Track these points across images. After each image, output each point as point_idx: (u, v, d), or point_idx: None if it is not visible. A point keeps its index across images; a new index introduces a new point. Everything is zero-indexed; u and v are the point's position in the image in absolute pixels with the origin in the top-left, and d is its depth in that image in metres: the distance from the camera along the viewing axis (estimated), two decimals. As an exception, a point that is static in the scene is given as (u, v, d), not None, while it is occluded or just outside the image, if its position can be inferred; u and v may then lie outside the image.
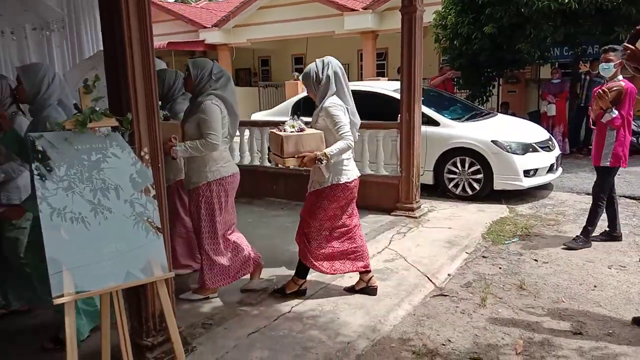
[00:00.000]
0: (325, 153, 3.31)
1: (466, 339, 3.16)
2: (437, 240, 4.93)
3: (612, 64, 4.40)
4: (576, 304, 3.60)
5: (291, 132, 3.38)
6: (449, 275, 4.20)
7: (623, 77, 4.49)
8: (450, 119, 6.87)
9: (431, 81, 10.27)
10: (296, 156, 3.34)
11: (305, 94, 4.28)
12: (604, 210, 4.76)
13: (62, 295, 2.09)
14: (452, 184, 6.63)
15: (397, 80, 6.76)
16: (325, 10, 16.09)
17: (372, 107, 7.11)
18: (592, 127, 4.77)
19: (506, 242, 4.97)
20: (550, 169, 6.68)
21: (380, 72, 17.21)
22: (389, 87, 7.29)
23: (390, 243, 4.89)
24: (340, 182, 3.45)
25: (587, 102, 8.75)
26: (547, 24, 8.65)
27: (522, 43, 9.03)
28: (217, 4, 23.15)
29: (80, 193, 2.26)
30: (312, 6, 16.20)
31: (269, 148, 4.58)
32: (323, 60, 3.51)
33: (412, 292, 3.81)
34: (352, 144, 3.39)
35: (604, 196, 4.66)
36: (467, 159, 6.49)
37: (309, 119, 3.60)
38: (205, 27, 18.34)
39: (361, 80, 14.83)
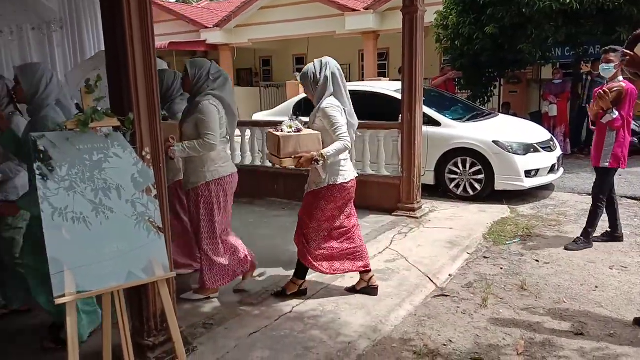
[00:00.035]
0: (322, 154, 3.32)
1: (467, 339, 3.16)
2: (439, 241, 4.93)
3: (613, 64, 4.39)
4: (577, 305, 3.60)
5: (288, 132, 3.39)
6: (450, 275, 4.20)
7: (623, 77, 4.49)
8: (452, 119, 6.87)
9: (432, 81, 10.26)
10: (293, 157, 3.34)
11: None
12: (605, 211, 4.76)
13: (64, 295, 2.09)
14: (453, 185, 6.62)
15: (398, 80, 6.76)
16: (326, 10, 16.09)
17: (373, 108, 7.12)
18: (591, 127, 4.76)
19: (507, 242, 4.97)
20: (552, 170, 6.67)
21: (382, 73, 17.20)
22: (390, 88, 7.29)
23: (391, 243, 4.89)
24: (337, 183, 3.45)
25: (588, 103, 8.73)
26: (549, 24, 8.64)
27: (523, 43, 9.02)
28: (219, 4, 23.16)
29: (81, 193, 2.26)
30: (313, 6, 16.21)
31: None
32: (321, 61, 3.52)
33: (413, 293, 3.81)
34: (349, 144, 3.40)
35: (603, 197, 4.66)
36: (468, 159, 6.48)
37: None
38: (206, 27, 18.35)
39: (362, 80, 14.83)
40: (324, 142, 3.41)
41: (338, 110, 3.41)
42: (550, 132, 8.03)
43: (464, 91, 11.36)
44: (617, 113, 4.36)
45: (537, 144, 6.58)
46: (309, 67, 3.52)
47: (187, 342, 2.93)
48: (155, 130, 2.70)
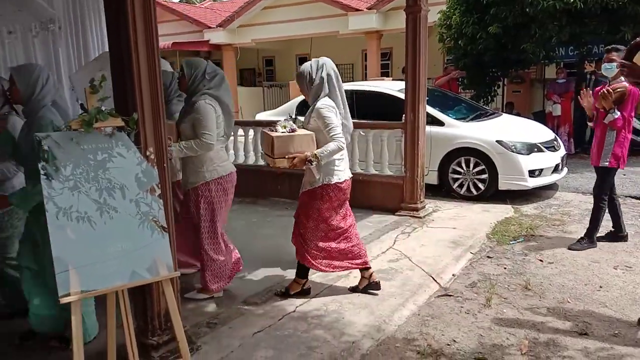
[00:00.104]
0: (315, 154, 3.32)
1: (471, 339, 3.16)
2: (442, 241, 4.92)
3: (615, 64, 4.37)
4: (582, 305, 3.59)
5: (282, 132, 3.39)
6: (453, 275, 4.20)
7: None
8: (455, 119, 6.86)
9: (436, 81, 10.25)
10: (286, 157, 3.35)
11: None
12: (607, 211, 4.75)
13: (69, 295, 2.10)
14: (456, 184, 6.62)
15: (401, 80, 6.76)
16: (329, 10, 16.08)
17: (376, 107, 7.13)
18: (588, 123, 4.74)
19: (511, 242, 4.96)
20: (556, 169, 6.66)
21: (385, 72, 17.17)
22: (394, 87, 7.28)
23: (394, 243, 4.89)
24: (332, 183, 3.46)
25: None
26: (552, 24, 8.63)
27: (527, 43, 9.00)
28: (222, 4, 23.18)
29: (86, 192, 2.27)
30: (316, 6, 16.19)
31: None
32: (318, 61, 3.53)
33: (416, 292, 3.81)
34: (343, 145, 3.40)
35: (605, 197, 4.65)
36: (471, 159, 6.48)
37: None
38: (209, 27, 18.36)
39: (365, 80, 14.82)
40: (319, 142, 3.42)
41: (333, 110, 3.42)
42: (554, 131, 8.02)
43: (467, 91, 11.36)
44: (618, 113, 4.34)
45: (540, 143, 6.57)
46: (305, 66, 3.53)
47: (191, 341, 2.94)
48: (159, 130, 2.71)
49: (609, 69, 4.44)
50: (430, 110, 6.47)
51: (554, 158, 6.60)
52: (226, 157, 3.70)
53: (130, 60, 2.55)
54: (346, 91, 7.63)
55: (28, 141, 2.74)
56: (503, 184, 6.33)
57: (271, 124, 3.61)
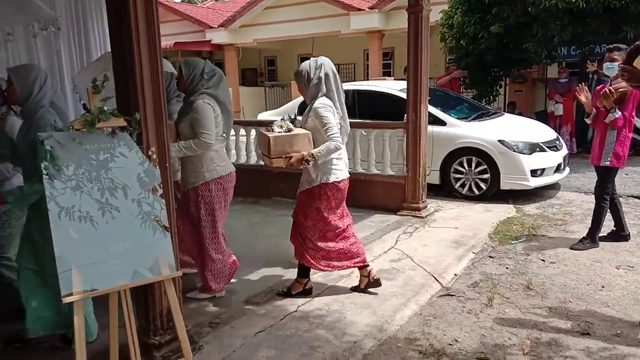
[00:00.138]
0: (312, 153, 3.33)
1: (473, 339, 3.15)
2: (444, 240, 4.92)
3: (617, 63, 4.36)
4: (584, 305, 3.59)
5: (279, 132, 3.39)
6: (455, 275, 4.20)
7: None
8: (457, 118, 6.85)
9: (438, 81, 10.24)
10: (283, 156, 3.35)
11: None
12: (609, 211, 4.74)
13: (72, 294, 2.10)
14: (458, 184, 6.61)
15: (403, 79, 6.76)
16: (331, 9, 16.09)
17: (378, 107, 7.13)
18: (585, 119, 4.73)
19: (513, 242, 4.96)
20: (558, 169, 6.64)
21: (387, 72, 17.19)
22: (395, 87, 7.28)
23: (396, 243, 4.89)
24: (329, 182, 3.47)
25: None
26: (555, 23, 8.61)
27: (529, 42, 8.99)
28: (224, 4, 23.20)
29: (88, 192, 2.27)
30: (318, 6, 16.20)
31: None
32: (317, 61, 3.54)
33: (418, 292, 3.80)
34: (340, 145, 3.42)
35: (606, 196, 4.64)
36: (473, 158, 6.47)
37: None
38: (211, 27, 18.38)
39: (367, 80, 14.82)
40: (316, 141, 3.42)
41: (330, 110, 3.43)
42: (556, 131, 8.00)
43: (469, 90, 11.35)
44: (619, 113, 4.34)
45: (543, 143, 6.56)
46: (304, 65, 3.55)
47: (193, 340, 2.95)
48: (162, 130, 2.71)
49: (611, 68, 4.43)
50: (432, 110, 6.46)
51: (556, 158, 6.59)
52: (226, 156, 3.70)
53: (133, 60, 2.55)
54: (348, 91, 7.71)
55: (26, 141, 2.74)
56: (505, 184, 6.32)
57: (268, 124, 3.62)
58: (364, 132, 6.22)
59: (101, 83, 2.44)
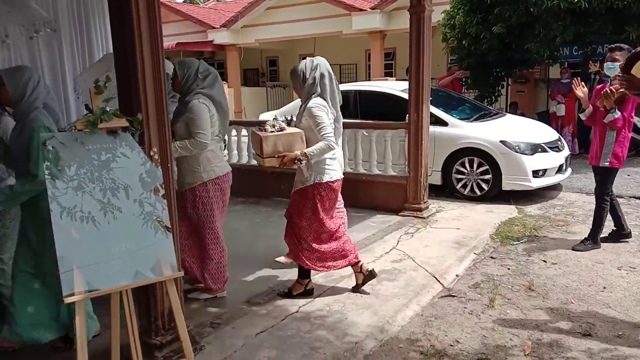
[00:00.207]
0: (305, 153, 3.34)
1: (474, 339, 3.15)
2: (445, 241, 4.92)
3: (618, 63, 4.35)
4: (585, 306, 3.58)
5: (271, 132, 3.40)
6: (457, 275, 4.19)
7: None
8: (459, 119, 6.85)
9: (439, 81, 10.24)
10: (276, 156, 3.35)
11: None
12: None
13: (73, 294, 2.10)
14: (460, 185, 6.60)
15: (405, 80, 6.75)
16: (333, 10, 16.09)
17: (380, 107, 7.13)
18: (580, 115, 4.72)
19: (515, 242, 4.95)
20: (560, 170, 6.64)
21: (388, 72, 17.17)
22: (397, 87, 7.28)
23: (398, 243, 4.89)
24: (323, 182, 3.47)
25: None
26: (557, 24, 8.59)
27: (531, 43, 8.98)
28: (226, 4, 23.22)
29: (90, 192, 2.28)
30: (320, 6, 16.20)
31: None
32: (313, 61, 3.55)
33: (420, 293, 3.80)
34: (334, 145, 3.41)
35: (607, 197, 4.63)
36: (475, 159, 6.46)
37: None
38: (213, 28, 18.40)
39: (369, 80, 14.81)
40: (310, 141, 3.42)
41: (324, 110, 3.44)
42: (558, 132, 7.99)
43: (471, 91, 11.33)
44: (619, 113, 4.33)
45: (544, 143, 6.55)
46: (300, 65, 3.55)
47: (195, 341, 2.95)
48: (164, 130, 2.72)
49: (612, 68, 4.42)
50: (434, 110, 6.46)
51: (557, 158, 6.58)
52: (222, 156, 3.69)
53: (135, 60, 2.56)
54: (350, 91, 7.71)
55: (19, 143, 2.74)
56: (507, 185, 6.31)
57: (262, 124, 3.62)
58: (365, 133, 6.22)
59: (103, 84, 2.45)
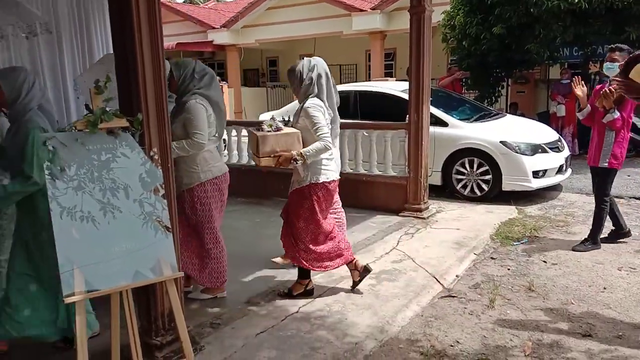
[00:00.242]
0: (301, 152, 3.34)
1: (474, 340, 3.15)
2: (445, 241, 4.92)
3: (617, 64, 4.34)
4: (585, 306, 3.58)
5: (268, 131, 3.40)
6: (457, 276, 4.19)
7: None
8: (459, 119, 6.85)
9: (440, 82, 10.24)
10: (272, 155, 3.36)
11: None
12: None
13: (73, 294, 2.10)
14: (460, 185, 6.60)
15: (405, 80, 6.75)
16: (333, 10, 16.09)
17: (380, 108, 7.13)
18: (577, 114, 4.72)
19: (515, 243, 4.95)
20: (560, 170, 6.64)
21: (388, 73, 17.17)
22: (397, 88, 7.29)
23: (398, 244, 4.89)
24: (319, 182, 3.47)
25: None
26: (557, 24, 8.60)
27: (531, 43, 8.98)
28: (226, 4, 23.22)
29: (90, 192, 2.28)
30: (320, 6, 16.21)
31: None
32: (310, 61, 3.55)
33: (420, 293, 3.80)
34: (330, 145, 3.42)
35: (606, 197, 4.63)
36: (475, 159, 6.46)
37: None
38: (213, 28, 18.40)
39: (369, 80, 14.81)
40: (306, 141, 3.43)
41: (320, 110, 3.44)
42: (558, 132, 7.99)
43: (471, 91, 11.33)
44: (618, 113, 4.33)
45: (545, 144, 6.55)
46: (298, 65, 3.55)
47: (195, 341, 2.95)
48: (164, 130, 2.72)
49: (611, 68, 4.41)
50: (434, 110, 6.46)
51: (558, 159, 6.58)
52: (219, 157, 3.70)
53: (135, 61, 2.56)
54: (350, 92, 7.71)
55: (14, 144, 2.72)
56: (507, 185, 6.31)
57: (258, 124, 3.62)
58: (365, 133, 6.22)
59: (104, 84, 2.45)
